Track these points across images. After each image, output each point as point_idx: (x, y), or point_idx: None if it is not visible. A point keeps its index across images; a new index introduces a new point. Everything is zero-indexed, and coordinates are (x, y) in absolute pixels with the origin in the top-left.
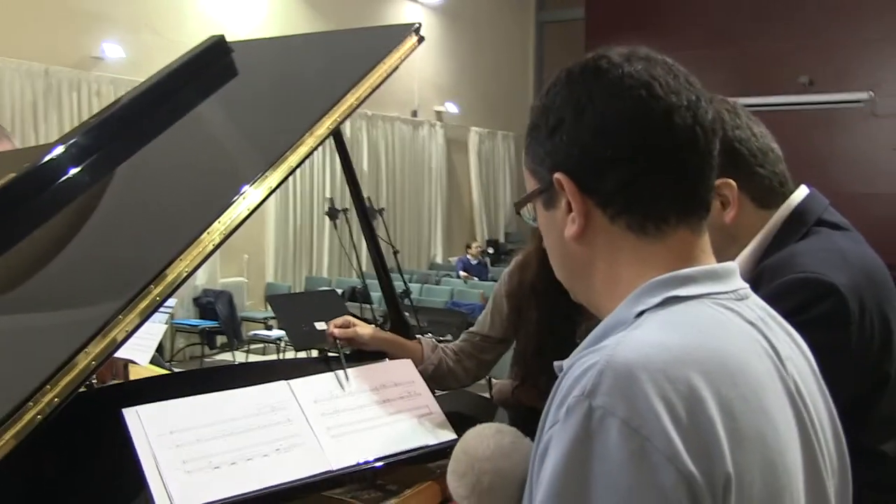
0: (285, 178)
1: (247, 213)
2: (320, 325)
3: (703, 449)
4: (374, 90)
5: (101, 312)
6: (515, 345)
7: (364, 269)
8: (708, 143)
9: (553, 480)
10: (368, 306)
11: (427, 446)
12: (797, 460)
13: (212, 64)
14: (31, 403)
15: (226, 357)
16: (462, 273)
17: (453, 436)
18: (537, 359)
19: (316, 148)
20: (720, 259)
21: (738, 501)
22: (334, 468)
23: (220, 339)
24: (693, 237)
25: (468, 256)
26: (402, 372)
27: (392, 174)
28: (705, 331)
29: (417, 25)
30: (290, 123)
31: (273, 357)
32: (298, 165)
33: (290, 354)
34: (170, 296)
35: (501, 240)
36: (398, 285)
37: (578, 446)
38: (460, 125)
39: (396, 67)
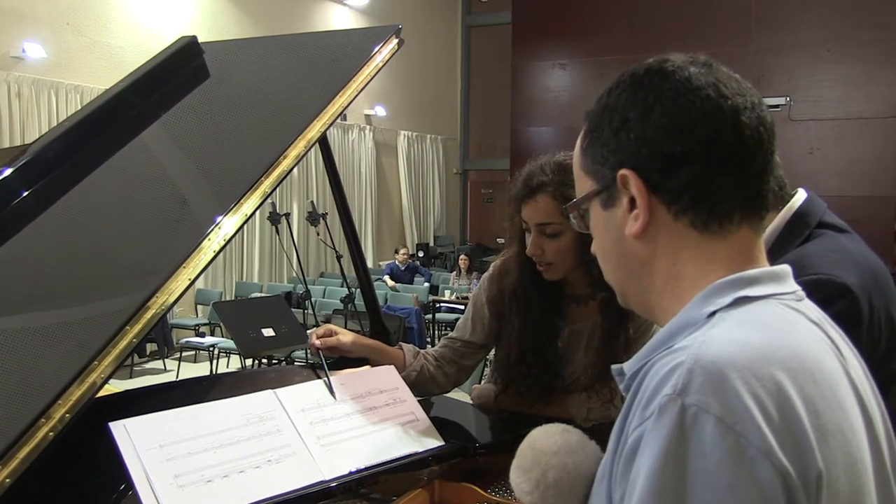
0: (280, 182)
1: (243, 219)
2: (267, 332)
3: (795, 445)
4: (359, 93)
5: (108, 322)
6: (496, 351)
7: (304, 274)
8: (771, 144)
9: (650, 479)
10: (310, 311)
11: (416, 454)
12: (869, 457)
13: (184, 66)
14: (43, 420)
15: (156, 365)
16: (387, 280)
17: (440, 442)
18: (520, 365)
19: (308, 150)
20: None
21: (828, 498)
22: (327, 478)
23: (150, 347)
24: (754, 237)
25: (396, 262)
26: (387, 378)
27: (322, 178)
28: (782, 330)
29: (399, 27)
30: (280, 127)
31: (206, 365)
32: (292, 168)
33: (223, 362)
34: (175, 303)
35: (431, 243)
36: (342, 291)
37: (674, 444)
38: (389, 129)
39: (380, 70)
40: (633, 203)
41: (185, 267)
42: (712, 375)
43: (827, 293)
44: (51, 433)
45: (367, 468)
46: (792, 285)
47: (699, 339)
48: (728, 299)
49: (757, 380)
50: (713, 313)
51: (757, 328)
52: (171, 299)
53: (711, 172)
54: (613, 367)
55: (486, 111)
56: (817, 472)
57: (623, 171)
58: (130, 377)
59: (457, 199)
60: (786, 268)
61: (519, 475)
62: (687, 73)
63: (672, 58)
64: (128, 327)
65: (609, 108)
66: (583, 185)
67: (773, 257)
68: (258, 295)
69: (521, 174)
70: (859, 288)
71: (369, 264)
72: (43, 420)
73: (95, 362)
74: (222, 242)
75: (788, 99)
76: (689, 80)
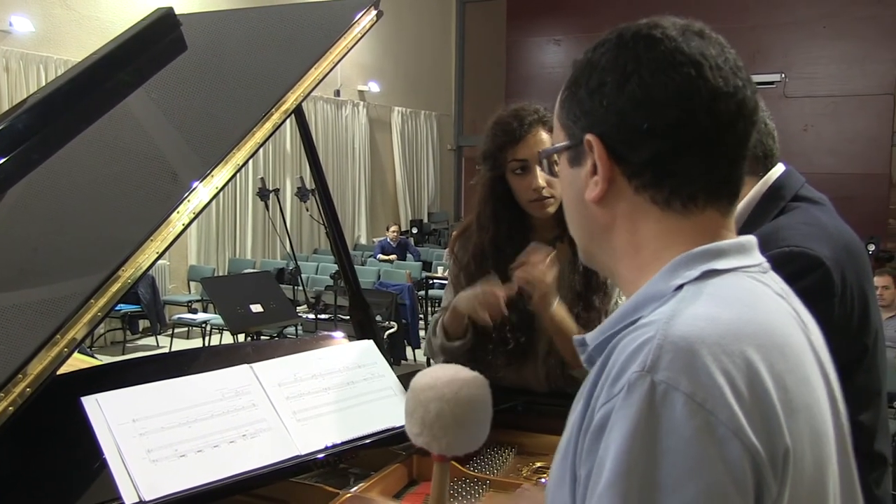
0: (252, 154)
1: (214, 192)
2: (256, 308)
3: (764, 422)
4: (334, 66)
5: (71, 296)
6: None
7: (295, 250)
8: (746, 133)
9: (619, 458)
10: (300, 287)
11: (393, 428)
12: (832, 430)
13: (160, 38)
14: (1, 394)
15: (149, 342)
16: (380, 256)
17: None
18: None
19: (281, 123)
20: None
21: (794, 474)
22: (302, 453)
23: (143, 324)
24: (721, 218)
25: (387, 239)
26: (365, 353)
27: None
28: (751, 304)
29: None
30: (253, 99)
31: (198, 341)
32: (264, 142)
33: (216, 338)
34: (141, 277)
35: (425, 220)
36: (334, 267)
37: (644, 423)
38: (383, 105)
39: (357, 42)
40: (595, 168)
41: (152, 240)
42: (682, 352)
43: (799, 265)
44: (10, 407)
45: (343, 443)
46: (757, 257)
47: (667, 313)
48: (696, 272)
49: (727, 356)
50: (680, 286)
51: (726, 303)
52: (139, 273)
53: (677, 153)
54: (575, 337)
55: (480, 87)
56: (784, 448)
57: (589, 137)
58: (123, 353)
59: (451, 176)
60: (751, 239)
61: (407, 421)
62: (674, 44)
63: (664, 24)
64: (92, 301)
65: (591, 65)
66: (557, 136)
67: (749, 230)
68: (250, 271)
69: (499, 124)
70: (832, 261)
71: (363, 241)
72: (1, 394)
73: (58, 336)
74: (191, 215)
75: (783, 75)
76: (673, 53)
